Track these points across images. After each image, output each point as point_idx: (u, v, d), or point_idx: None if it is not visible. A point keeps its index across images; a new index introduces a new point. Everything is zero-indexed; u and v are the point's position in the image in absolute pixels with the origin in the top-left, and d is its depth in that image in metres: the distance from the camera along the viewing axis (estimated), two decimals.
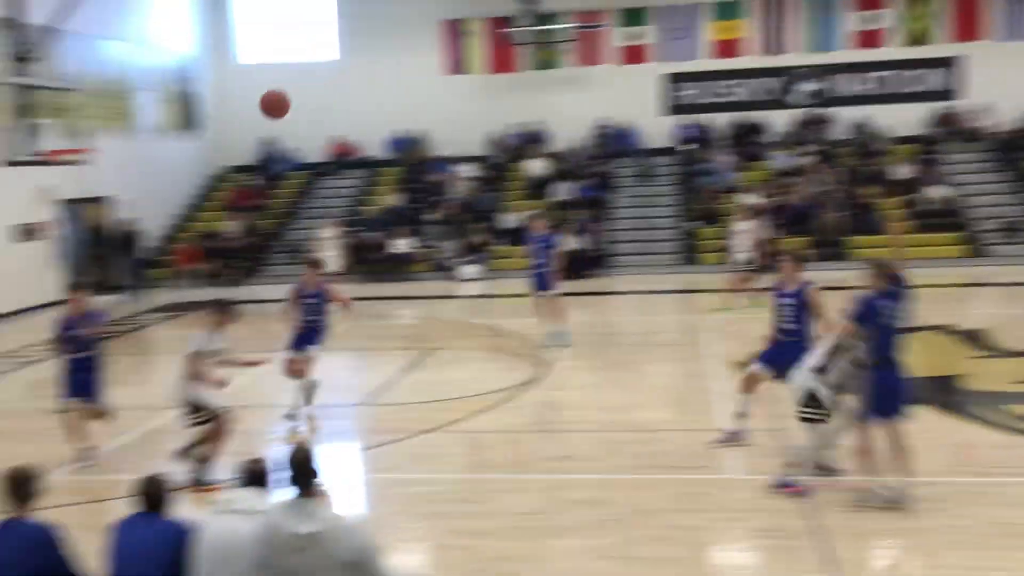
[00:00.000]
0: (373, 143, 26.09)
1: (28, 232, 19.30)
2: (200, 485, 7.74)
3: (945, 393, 10.39)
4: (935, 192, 22.09)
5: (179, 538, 4.37)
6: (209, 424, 8.04)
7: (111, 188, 21.81)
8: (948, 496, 7.18)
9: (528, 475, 8.18)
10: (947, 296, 15.42)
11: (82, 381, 8.70)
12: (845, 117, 24.65)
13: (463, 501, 7.56)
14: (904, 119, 24.18)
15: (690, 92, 25.49)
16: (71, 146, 20.02)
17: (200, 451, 8.02)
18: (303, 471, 4.18)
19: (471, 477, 8.24)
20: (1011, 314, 15.44)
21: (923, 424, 9.15)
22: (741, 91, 25.42)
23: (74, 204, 20.98)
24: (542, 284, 13.26)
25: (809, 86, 25.06)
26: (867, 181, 22.90)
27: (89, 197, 21.29)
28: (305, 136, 25.85)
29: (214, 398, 8.14)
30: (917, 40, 24.32)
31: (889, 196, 22.42)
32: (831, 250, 21.07)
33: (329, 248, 19.84)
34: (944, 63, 24.49)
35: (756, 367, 8.48)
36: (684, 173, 24.32)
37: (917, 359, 11.94)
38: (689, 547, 6.46)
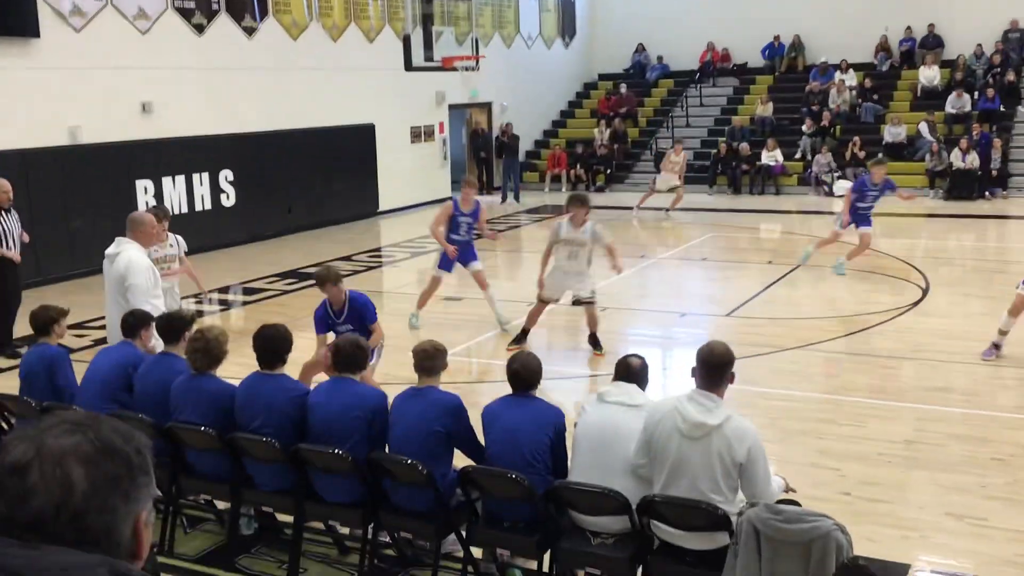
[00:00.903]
0: (747, 50, 25.22)
1: (423, 134, 21.02)
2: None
3: None
4: None
5: (554, 422, 4.62)
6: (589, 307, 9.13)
7: (493, 94, 23.07)
8: None
9: (901, 403, 7.72)
10: None
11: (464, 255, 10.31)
12: None
13: (829, 422, 7.30)
14: None
15: None
16: (463, 53, 21.42)
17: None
18: (714, 367, 4.24)
19: (839, 399, 7.92)
20: None
21: None
22: None
23: (459, 108, 22.50)
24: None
25: None
26: None
27: (473, 102, 22.71)
28: (676, 43, 25.60)
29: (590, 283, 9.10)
30: None
31: None
32: None
33: (671, 168, 19.50)
34: None
35: None
36: None
37: None
38: None
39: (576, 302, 9.30)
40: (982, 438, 6.81)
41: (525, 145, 24.41)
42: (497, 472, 4.45)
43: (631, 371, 4.74)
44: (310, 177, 17.88)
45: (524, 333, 9.43)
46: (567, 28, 26.44)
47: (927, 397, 7.82)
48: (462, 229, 10.44)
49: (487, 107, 23.42)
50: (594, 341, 9.23)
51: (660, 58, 26.21)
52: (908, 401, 7.78)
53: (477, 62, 21.71)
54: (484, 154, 23.49)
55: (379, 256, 15.64)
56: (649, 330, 10.50)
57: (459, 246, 10.32)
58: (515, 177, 22.59)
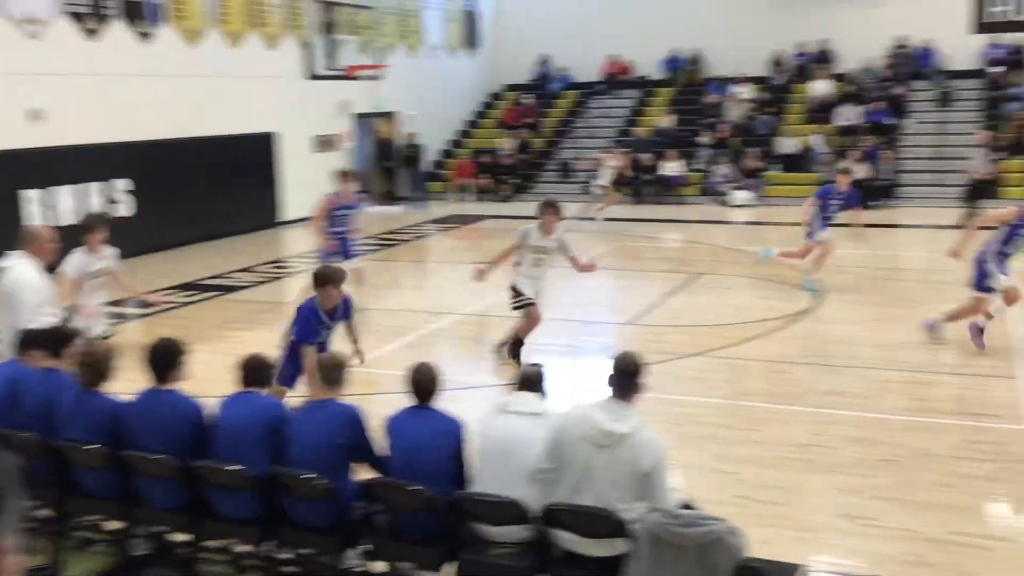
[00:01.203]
0: (647, 62, 25.70)
1: (325, 143, 20.79)
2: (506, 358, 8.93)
3: None
4: None
5: (455, 433, 4.60)
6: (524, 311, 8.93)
7: (398, 104, 22.98)
8: None
9: (795, 407, 7.94)
10: None
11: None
12: None
13: (728, 427, 7.47)
14: None
15: (1003, 7, 22.98)
16: (366, 62, 21.29)
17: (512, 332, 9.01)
18: (625, 376, 4.27)
19: (736, 403, 8.11)
20: None
21: None
22: None
23: (364, 118, 22.34)
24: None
25: None
26: None
27: (378, 112, 22.56)
28: (579, 55, 25.93)
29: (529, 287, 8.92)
30: None
31: None
32: None
33: (606, 173, 19.82)
34: None
35: None
36: (989, 99, 22.14)
37: None
38: (975, 496, 6.05)
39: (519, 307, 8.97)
40: (873, 440, 7.06)
41: (431, 155, 24.37)
42: (399, 484, 4.41)
43: (531, 380, 4.76)
44: (209, 186, 17.51)
45: (518, 345, 9.09)
46: (471, 38, 26.54)
47: (822, 401, 8.07)
48: (342, 222, 10.67)
49: (392, 117, 23.30)
50: (515, 350, 9.08)
51: (564, 69, 26.51)
52: (804, 405, 8.01)
53: (381, 71, 21.60)
54: (390, 164, 23.37)
55: (281, 267, 15.39)
56: (555, 339, 10.56)
57: (339, 240, 10.58)
58: (421, 187, 22.54)
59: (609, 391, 4.30)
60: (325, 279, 6.78)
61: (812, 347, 9.82)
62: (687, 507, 4.36)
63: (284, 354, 6.93)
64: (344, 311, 6.97)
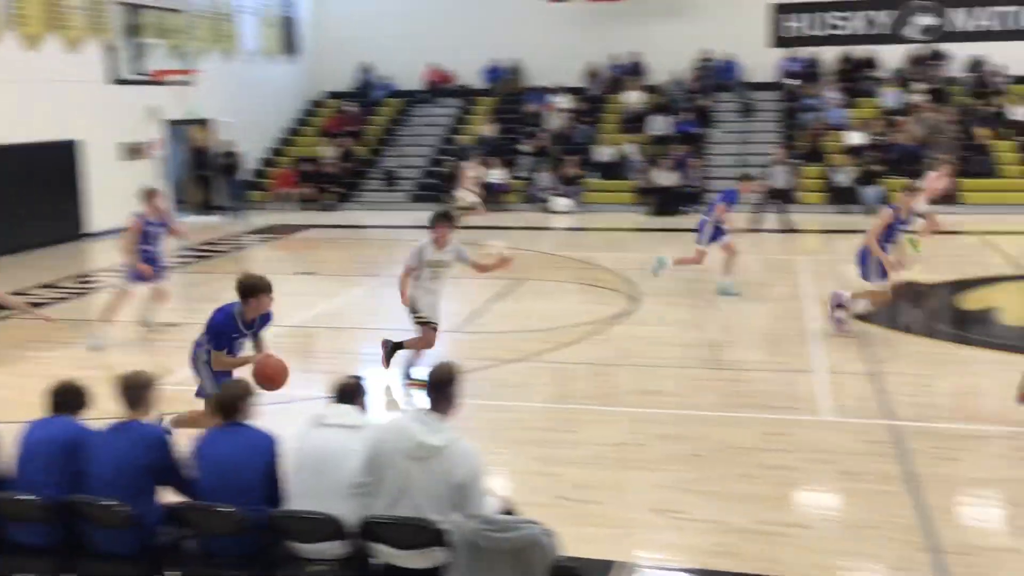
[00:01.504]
0: (469, 72, 25.94)
1: (134, 151, 19.85)
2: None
3: None
4: None
5: (267, 449, 4.48)
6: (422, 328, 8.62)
7: (213, 110, 22.23)
8: None
9: (614, 407, 8.19)
10: None
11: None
12: (960, 54, 23.49)
13: (549, 430, 7.62)
14: (1022, 57, 22.89)
15: (798, 24, 24.57)
16: (176, 67, 20.48)
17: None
18: (441, 387, 4.25)
19: (557, 407, 8.28)
20: None
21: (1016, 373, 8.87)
22: (852, 24, 24.38)
23: (178, 125, 21.48)
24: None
25: (923, 20, 23.89)
26: (982, 122, 21.86)
27: (192, 119, 21.76)
28: (402, 62, 25.89)
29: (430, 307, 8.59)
30: None
31: (1005, 138, 21.39)
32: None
33: (469, 184, 19.69)
34: None
35: None
36: (787, 109, 23.58)
37: (1018, 307, 11.58)
38: (776, 486, 6.40)
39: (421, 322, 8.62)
40: (685, 436, 7.35)
41: (250, 163, 23.70)
42: (206, 507, 4.25)
43: (348, 392, 4.69)
44: (8, 197, 16.40)
45: (397, 348, 8.78)
46: (290, 44, 26.01)
47: (638, 400, 8.35)
48: (151, 241, 10.49)
49: (208, 124, 22.51)
50: (391, 353, 8.81)
51: (386, 77, 26.39)
52: (621, 405, 8.27)
53: (191, 77, 20.82)
54: (206, 173, 22.57)
55: (87, 282, 14.56)
56: (378, 349, 10.45)
57: (151, 257, 10.41)
58: (238, 196, 21.89)
59: (426, 403, 4.30)
60: (256, 288, 6.40)
61: (630, 349, 10.15)
62: (507, 512, 4.41)
63: (200, 368, 6.61)
64: (262, 323, 6.62)
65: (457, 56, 25.78)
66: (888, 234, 10.16)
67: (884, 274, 10.13)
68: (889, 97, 22.90)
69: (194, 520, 4.34)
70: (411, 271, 8.51)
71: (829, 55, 24.14)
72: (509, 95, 25.48)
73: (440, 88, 26.16)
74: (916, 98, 22.52)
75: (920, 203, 11.04)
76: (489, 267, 8.97)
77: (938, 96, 22.52)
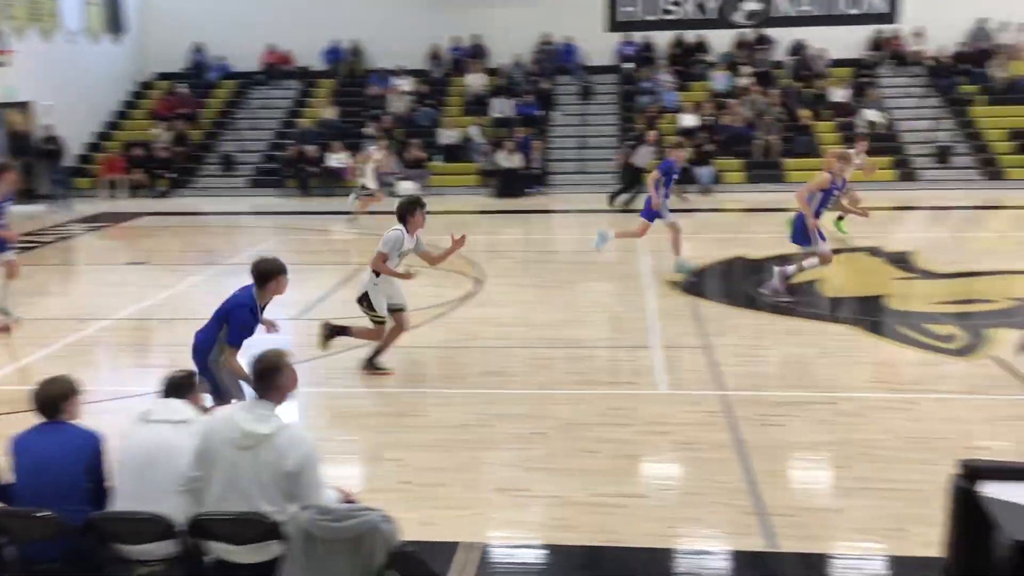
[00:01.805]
0: (308, 53, 25.37)
1: None
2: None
3: (871, 313, 10.68)
4: (870, 115, 22.30)
5: (90, 447, 4.29)
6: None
7: (32, 93, 20.95)
8: (865, 411, 7.42)
9: (459, 390, 8.22)
10: (879, 218, 15.66)
11: None
12: (785, 38, 24.65)
13: (396, 415, 7.59)
14: (841, 41, 24.25)
15: (632, 8, 25.18)
16: None
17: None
18: (266, 375, 4.13)
19: (403, 391, 8.24)
20: (937, 237, 15.81)
21: (848, 342, 9.44)
22: (683, 8, 25.18)
23: None
24: None
25: (749, 6, 24.93)
26: (804, 104, 23.03)
27: (8, 102, 20.45)
28: (237, 43, 25.08)
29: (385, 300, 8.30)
30: None
31: (825, 119, 22.62)
32: (767, 172, 21.29)
33: (369, 171, 18.86)
34: None
35: None
36: (624, 92, 24.17)
37: (846, 279, 12.32)
38: (615, 459, 6.59)
39: (393, 309, 8.43)
40: (528, 415, 7.46)
41: (75, 148, 22.48)
42: (22, 512, 4.02)
43: (178, 386, 4.54)
44: None
45: (339, 332, 8.53)
46: (115, 23, 24.74)
47: (483, 382, 8.41)
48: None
49: (27, 107, 21.20)
50: (333, 335, 8.54)
51: (220, 58, 25.51)
52: (466, 387, 8.31)
53: (6, 57, 19.55)
54: (26, 158, 21.26)
55: None
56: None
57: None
58: (62, 183, 20.74)
59: (253, 392, 4.20)
60: (275, 271, 6.07)
61: (475, 331, 10.22)
62: (347, 501, 4.37)
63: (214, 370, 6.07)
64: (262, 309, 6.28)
65: (295, 37, 25.16)
66: (824, 199, 10.77)
67: (822, 236, 10.80)
68: (719, 80, 23.82)
69: (9, 526, 4.10)
70: (385, 260, 8.16)
71: (663, 39, 24.88)
72: (350, 77, 25.10)
73: (278, 70, 25.48)
74: (744, 81, 23.52)
75: (848, 170, 11.85)
76: (443, 257, 8.67)
77: (764, 79, 23.58)
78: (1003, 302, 10.90)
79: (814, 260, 10.90)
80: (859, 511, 5.75)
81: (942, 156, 21.61)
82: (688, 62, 24.67)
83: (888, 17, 24.52)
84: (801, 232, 10.84)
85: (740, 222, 17.94)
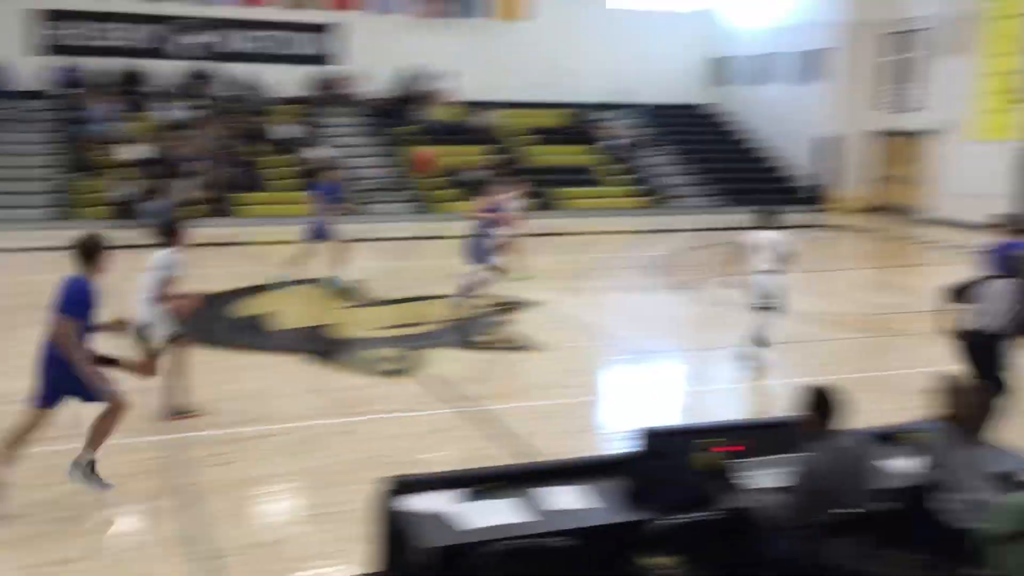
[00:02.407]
0: None
1: None
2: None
3: (313, 342, 11.11)
4: (315, 152, 23.31)
5: None
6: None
7: None
8: (314, 438, 7.69)
9: None
10: (331, 251, 16.25)
11: None
12: (236, 73, 24.79)
13: None
14: (288, 80, 25.09)
15: (67, 32, 23.51)
16: None
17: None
18: None
19: None
20: (381, 266, 16.96)
21: (296, 372, 9.73)
22: (127, 36, 24.13)
23: None
24: None
25: (196, 38, 24.70)
26: (251, 139, 23.37)
27: None
28: None
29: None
30: (298, 3, 25.38)
31: (272, 155, 23.17)
32: (218, 206, 21.18)
33: None
34: (321, 28, 25.92)
35: None
36: (60, 120, 22.42)
37: (289, 311, 12.64)
38: (54, 523, 6.03)
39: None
40: None
41: None
42: None
43: None
44: None
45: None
46: None
47: None
48: None
49: None
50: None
51: None
52: None
53: None
54: None
55: None
56: None
57: None
58: None
59: None
60: (100, 244, 6.20)
61: None
62: None
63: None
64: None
65: None
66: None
67: (492, 255, 12.55)
68: (166, 111, 23.20)
69: None
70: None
71: (106, 67, 23.58)
72: None
73: None
74: (191, 114, 23.19)
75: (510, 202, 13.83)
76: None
77: (211, 112, 23.48)
78: (432, 325, 12.04)
79: (485, 275, 12.54)
80: (309, 537, 5.93)
81: (383, 191, 23.31)
82: (133, 92, 23.68)
83: (324, 59, 25.92)
84: (474, 252, 12.49)
85: (193, 258, 17.53)
